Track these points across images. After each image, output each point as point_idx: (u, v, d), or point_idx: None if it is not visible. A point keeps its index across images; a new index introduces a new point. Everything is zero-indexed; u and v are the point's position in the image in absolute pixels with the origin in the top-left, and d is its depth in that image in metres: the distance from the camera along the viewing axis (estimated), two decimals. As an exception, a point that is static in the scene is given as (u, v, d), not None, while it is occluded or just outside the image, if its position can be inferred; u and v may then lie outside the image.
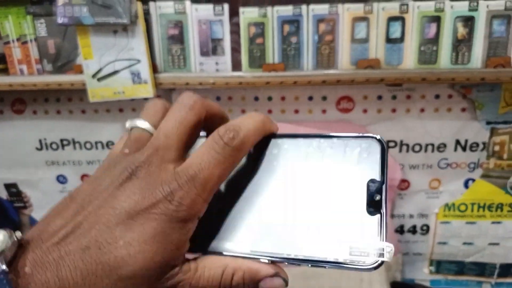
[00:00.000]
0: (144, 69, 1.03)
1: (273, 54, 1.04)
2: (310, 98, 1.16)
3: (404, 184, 1.23)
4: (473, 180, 1.23)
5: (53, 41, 1.06)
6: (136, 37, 1.01)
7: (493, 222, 1.26)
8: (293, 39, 1.03)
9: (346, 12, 1.01)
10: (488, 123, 1.17)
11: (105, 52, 1.02)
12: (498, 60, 1.01)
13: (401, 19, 1.01)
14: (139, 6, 0.99)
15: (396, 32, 1.01)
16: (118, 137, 1.22)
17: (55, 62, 1.08)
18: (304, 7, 1.01)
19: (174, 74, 1.05)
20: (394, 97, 1.15)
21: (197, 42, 1.04)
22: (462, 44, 1.02)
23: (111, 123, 1.22)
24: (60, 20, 0.96)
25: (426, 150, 1.20)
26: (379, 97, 1.14)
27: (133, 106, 1.19)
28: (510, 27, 1.01)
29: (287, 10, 1.01)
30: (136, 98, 1.08)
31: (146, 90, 1.04)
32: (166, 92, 1.16)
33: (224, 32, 1.04)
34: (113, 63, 1.03)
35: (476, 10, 1.00)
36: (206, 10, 1.03)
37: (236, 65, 1.06)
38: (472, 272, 1.31)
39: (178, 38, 1.04)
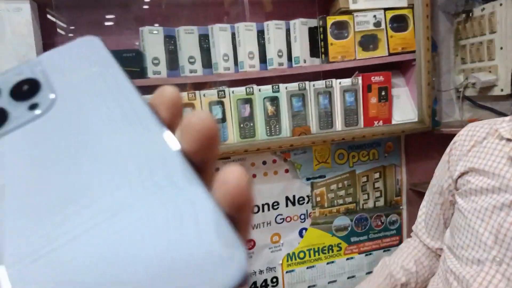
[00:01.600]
0: None
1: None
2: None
3: (250, 243, 1.37)
4: (306, 229, 1.43)
5: None
6: None
7: (328, 263, 1.46)
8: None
9: (172, 100, 1.14)
10: (308, 179, 1.40)
11: None
12: (300, 129, 1.25)
13: (220, 102, 1.18)
14: None
15: (218, 114, 1.18)
16: None
17: None
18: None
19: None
20: (227, 168, 1.30)
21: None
22: (272, 119, 1.24)
23: None
24: None
25: (263, 210, 1.37)
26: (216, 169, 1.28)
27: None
28: (305, 102, 1.26)
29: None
30: None
31: None
32: None
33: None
34: None
35: (278, 91, 1.23)
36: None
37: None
38: (320, 311, 1.48)
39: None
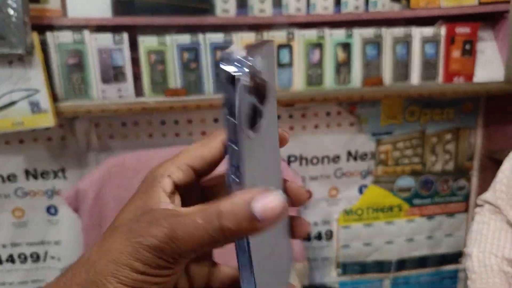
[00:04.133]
0: (44, 99, 1.03)
1: (175, 79, 1.10)
2: (216, 120, 1.22)
3: (308, 194, 1.34)
4: (366, 186, 1.37)
5: None
6: (33, 67, 1.00)
7: (386, 223, 1.41)
8: (193, 65, 1.10)
9: (240, 41, 1.10)
10: (373, 134, 1.33)
11: (0, 83, 1.00)
12: (373, 80, 1.17)
13: (288, 46, 1.12)
14: (35, 37, 0.99)
15: (285, 58, 1.13)
16: (20, 169, 1.19)
17: None
18: (201, 35, 1.09)
19: (75, 102, 1.06)
20: (291, 116, 1.26)
21: (98, 70, 1.07)
22: (342, 67, 1.16)
23: (11, 156, 1.18)
24: None
25: (323, 162, 1.33)
26: (278, 117, 1.24)
27: (35, 136, 1.16)
28: (380, 51, 1.17)
29: (184, 39, 1.08)
30: (37, 129, 1.07)
31: (47, 120, 1.03)
32: (68, 121, 1.15)
33: (125, 60, 1.07)
34: (9, 94, 1.01)
35: (351, 37, 1.15)
36: (106, 39, 1.06)
37: (139, 91, 1.10)
38: (373, 270, 1.45)
39: (78, 67, 1.06)
